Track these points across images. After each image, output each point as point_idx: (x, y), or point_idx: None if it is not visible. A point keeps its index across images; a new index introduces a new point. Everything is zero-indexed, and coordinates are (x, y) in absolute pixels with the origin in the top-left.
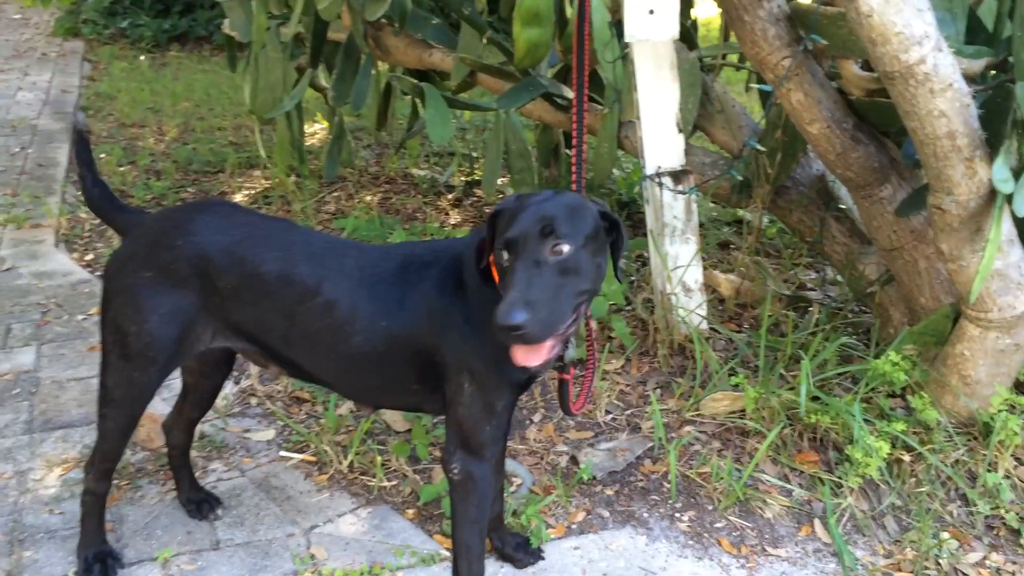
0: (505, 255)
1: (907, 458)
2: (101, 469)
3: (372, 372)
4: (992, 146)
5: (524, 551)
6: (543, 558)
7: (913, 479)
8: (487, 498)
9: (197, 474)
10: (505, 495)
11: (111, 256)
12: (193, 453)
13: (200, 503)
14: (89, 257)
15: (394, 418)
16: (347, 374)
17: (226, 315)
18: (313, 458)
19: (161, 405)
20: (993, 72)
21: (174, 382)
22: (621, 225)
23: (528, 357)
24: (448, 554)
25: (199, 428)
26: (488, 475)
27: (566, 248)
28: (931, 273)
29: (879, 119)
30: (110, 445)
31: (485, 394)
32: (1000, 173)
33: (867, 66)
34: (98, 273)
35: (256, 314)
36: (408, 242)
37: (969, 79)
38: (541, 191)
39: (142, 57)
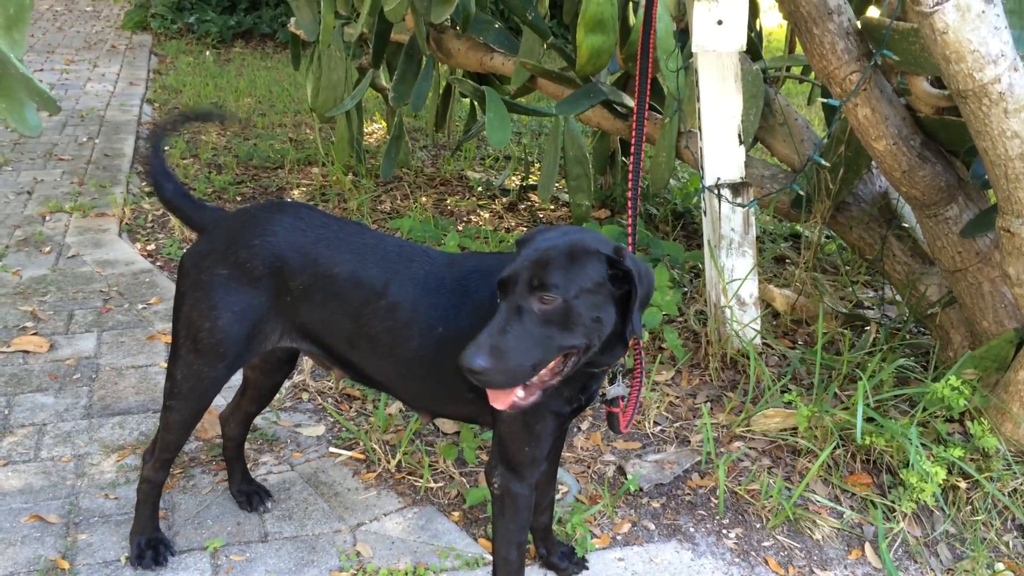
0: (499, 295)
1: (963, 485)
2: (161, 459)
3: (428, 378)
4: None
5: (569, 560)
6: (587, 568)
7: (969, 507)
8: (525, 516)
9: (248, 465)
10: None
11: (188, 252)
12: (246, 445)
13: (250, 495)
14: (151, 247)
15: (442, 420)
16: (405, 379)
17: (295, 316)
18: (361, 456)
19: (217, 398)
20: None
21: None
22: (635, 275)
23: (496, 399)
24: (491, 557)
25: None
26: (527, 495)
27: (554, 300)
28: (995, 297)
29: (948, 138)
30: (172, 436)
31: (525, 415)
32: None
33: (937, 83)
34: (159, 263)
35: (324, 315)
36: (478, 253)
37: None
38: (558, 227)
39: (207, 52)
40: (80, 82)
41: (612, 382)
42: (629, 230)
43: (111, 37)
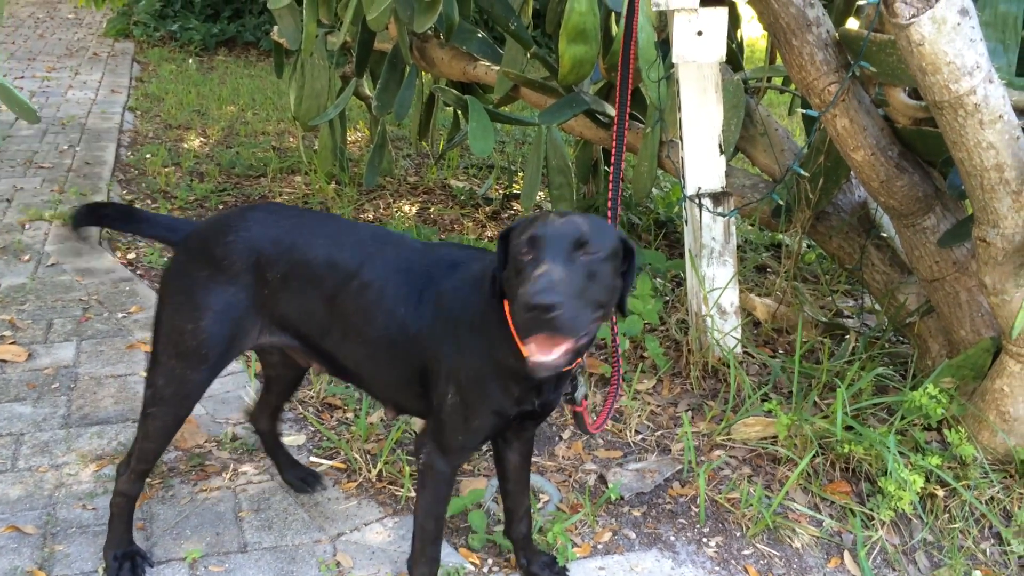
0: (526, 252)
1: (941, 493)
2: (137, 470)
3: (388, 364)
4: None
5: (550, 570)
6: None
7: (946, 515)
8: (443, 491)
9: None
10: (532, 511)
11: (167, 263)
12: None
13: (305, 478)
14: (131, 256)
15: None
16: (371, 365)
17: (274, 308)
18: (342, 465)
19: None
20: None
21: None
22: (635, 255)
23: (545, 350)
24: (472, 568)
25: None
26: (448, 473)
27: (595, 253)
28: (972, 306)
29: (925, 148)
30: (152, 445)
31: (466, 409)
32: None
33: (914, 94)
34: (139, 272)
35: (301, 302)
36: (451, 243)
37: (1019, 111)
38: (553, 212)
39: (190, 60)
40: (61, 89)
41: (574, 385)
42: None
43: (93, 44)
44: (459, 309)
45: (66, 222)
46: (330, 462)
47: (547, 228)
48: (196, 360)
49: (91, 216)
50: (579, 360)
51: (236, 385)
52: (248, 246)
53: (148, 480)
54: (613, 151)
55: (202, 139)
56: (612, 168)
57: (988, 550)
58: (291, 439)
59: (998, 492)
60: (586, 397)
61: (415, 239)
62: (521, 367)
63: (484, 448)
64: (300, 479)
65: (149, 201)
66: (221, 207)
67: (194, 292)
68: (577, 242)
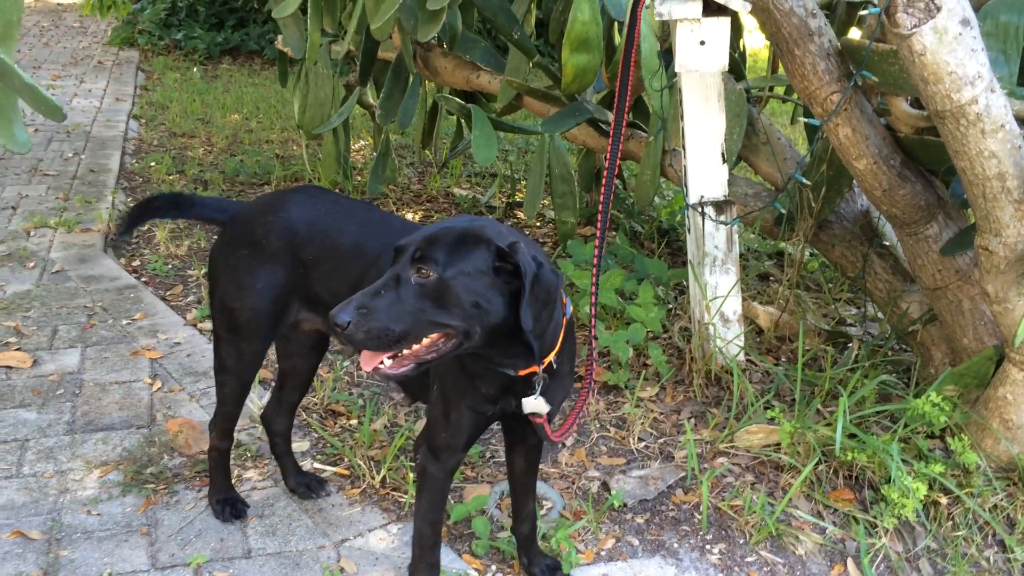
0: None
1: (944, 501)
2: (222, 428)
3: None
4: None
5: (551, 574)
6: None
7: (950, 522)
8: (438, 496)
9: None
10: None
11: (214, 244)
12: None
13: (309, 484)
14: (136, 263)
15: None
16: None
17: (308, 288)
18: (346, 471)
19: (199, 412)
20: None
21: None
22: (524, 271)
23: (365, 361)
24: (476, 573)
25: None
26: (441, 478)
27: (429, 274)
28: (975, 314)
29: (927, 157)
30: (228, 408)
31: (445, 402)
32: None
33: (917, 103)
34: (144, 279)
35: (330, 284)
36: None
37: (1021, 121)
38: (463, 216)
39: (195, 69)
40: (66, 97)
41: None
42: (596, 241)
43: (98, 53)
44: None
45: (117, 228)
46: (334, 468)
47: (404, 242)
48: (247, 334)
49: (142, 215)
50: (537, 367)
51: None
52: (285, 226)
53: (152, 487)
54: (607, 158)
55: (206, 147)
56: (605, 172)
57: (992, 558)
58: (295, 445)
59: (1001, 500)
60: (549, 413)
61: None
62: (485, 370)
63: (487, 454)
64: (304, 485)
65: None
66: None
67: (238, 270)
68: (414, 256)
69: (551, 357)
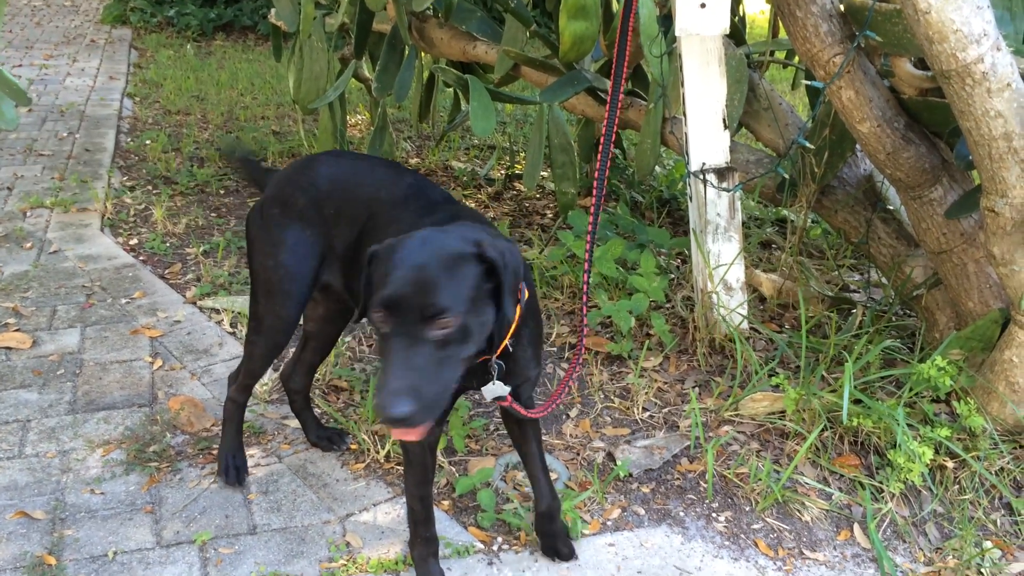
0: (382, 317)
1: (950, 465)
2: (243, 384)
3: None
4: None
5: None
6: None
7: (956, 486)
8: (420, 470)
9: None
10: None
11: (250, 211)
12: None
13: (330, 437)
14: (133, 242)
15: None
16: None
17: (331, 244)
18: (352, 446)
19: (201, 390)
20: None
21: (213, 367)
22: (502, 268)
23: (407, 435)
24: (482, 546)
25: None
26: (419, 452)
27: (451, 322)
28: (980, 277)
29: (932, 119)
30: (255, 366)
31: None
32: None
33: (920, 64)
34: (142, 257)
35: (345, 238)
36: (461, 205)
37: None
38: (411, 236)
39: (188, 46)
40: (59, 77)
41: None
42: (592, 209)
43: (90, 31)
44: None
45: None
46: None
47: (396, 289)
48: (283, 295)
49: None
50: (488, 356)
51: None
52: (311, 183)
53: (155, 464)
54: (604, 127)
55: (202, 124)
56: (601, 140)
57: (999, 520)
58: (296, 423)
59: (1008, 463)
60: (510, 395)
61: (444, 194)
62: None
63: (491, 427)
64: (326, 438)
65: (150, 187)
66: (222, 192)
67: (271, 231)
68: (426, 313)
69: (506, 342)
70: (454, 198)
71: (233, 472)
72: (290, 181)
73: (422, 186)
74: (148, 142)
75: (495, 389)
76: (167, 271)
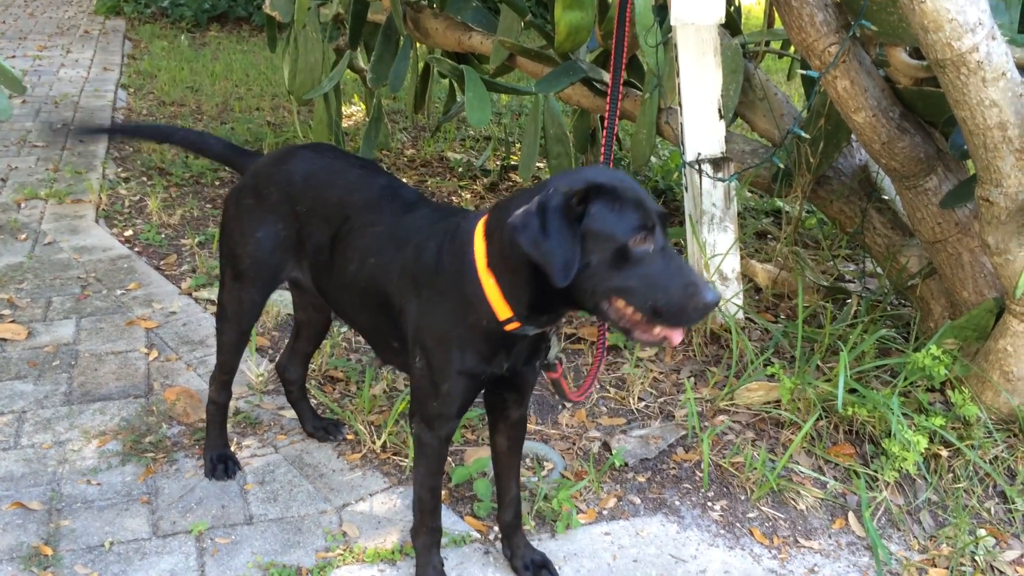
0: (642, 239)
1: (945, 453)
2: (220, 380)
3: (362, 311)
4: None
5: (533, 572)
6: None
7: (951, 475)
8: (435, 463)
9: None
10: (536, 479)
11: (228, 192)
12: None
13: (327, 427)
14: (128, 233)
15: None
16: (350, 308)
17: (303, 242)
18: (349, 436)
19: (197, 380)
20: None
21: (209, 358)
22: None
23: (677, 333)
24: (478, 536)
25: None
26: (436, 445)
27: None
28: (975, 267)
29: (927, 108)
30: (226, 358)
31: (432, 373)
32: None
33: (916, 53)
34: (136, 249)
35: (316, 239)
36: (444, 205)
37: (1022, 69)
38: (593, 169)
39: (182, 36)
40: (53, 68)
41: (547, 348)
42: None
43: (84, 22)
44: (424, 269)
45: None
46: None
47: (650, 207)
48: (248, 281)
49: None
50: (551, 325)
51: None
52: (285, 179)
53: (151, 455)
54: (606, 117)
55: (196, 115)
56: (605, 134)
57: (992, 508)
58: (294, 412)
59: (1002, 451)
60: (560, 361)
61: (417, 194)
62: (494, 327)
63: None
64: (323, 428)
65: (145, 178)
66: (217, 183)
67: (243, 219)
68: (666, 223)
69: None
70: (426, 197)
71: (220, 468)
72: (267, 174)
73: (395, 187)
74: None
75: (553, 351)
76: (162, 262)
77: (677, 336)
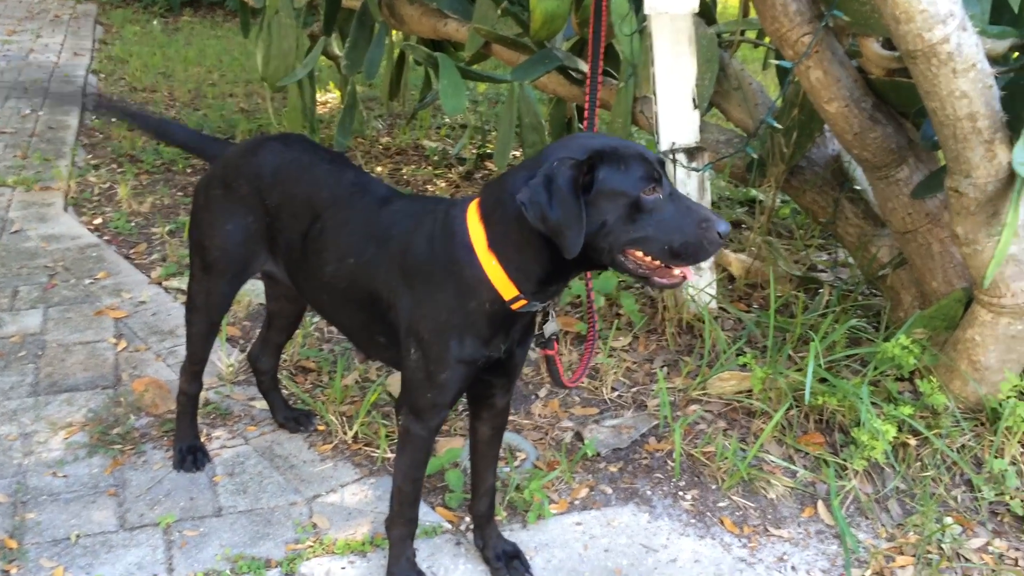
0: (651, 189)
1: (913, 442)
2: (191, 371)
3: (346, 309)
4: (1013, 129)
5: (506, 563)
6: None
7: (918, 463)
8: (421, 455)
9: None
10: (508, 470)
11: (198, 181)
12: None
13: (297, 418)
14: (98, 221)
15: (399, 389)
16: (329, 306)
17: (273, 235)
18: (320, 427)
19: (166, 371)
20: (1017, 54)
21: (179, 348)
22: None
23: (687, 271)
24: (450, 526)
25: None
26: (425, 437)
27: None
28: (944, 257)
29: (898, 99)
30: (195, 348)
31: (428, 363)
32: (1020, 156)
33: (888, 44)
34: (106, 237)
35: (287, 234)
36: (411, 196)
37: (992, 60)
38: (588, 135)
39: (155, 21)
40: (23, 53)
41: (544, 321)
42: None
43: (54, 6)
44: (415, 262)
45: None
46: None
47: (650, 158)
48: (217, 273)
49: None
50: (555, 298)
51: None
52: (254, 172)
53: (119, 447)
54: (586, 107)
55: (168, 102)
56: (585, 125)
57: (959, 497)
58: (265, 403)
59: (969, 440)
60: (557, 338)
61: (388, 188)
62: (498, 308)
63: (461, 407)
64: (293, 419)
65: (115, 166)
66: (189, 170)
67: (212, 210)
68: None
69: None
70: (397, 190)
71: (190, 460)
72: (236, 165)
73: (364, 182)
74: (114, 120)
75: (552, 326)
76: (132, 251)
77: (690, 273)
